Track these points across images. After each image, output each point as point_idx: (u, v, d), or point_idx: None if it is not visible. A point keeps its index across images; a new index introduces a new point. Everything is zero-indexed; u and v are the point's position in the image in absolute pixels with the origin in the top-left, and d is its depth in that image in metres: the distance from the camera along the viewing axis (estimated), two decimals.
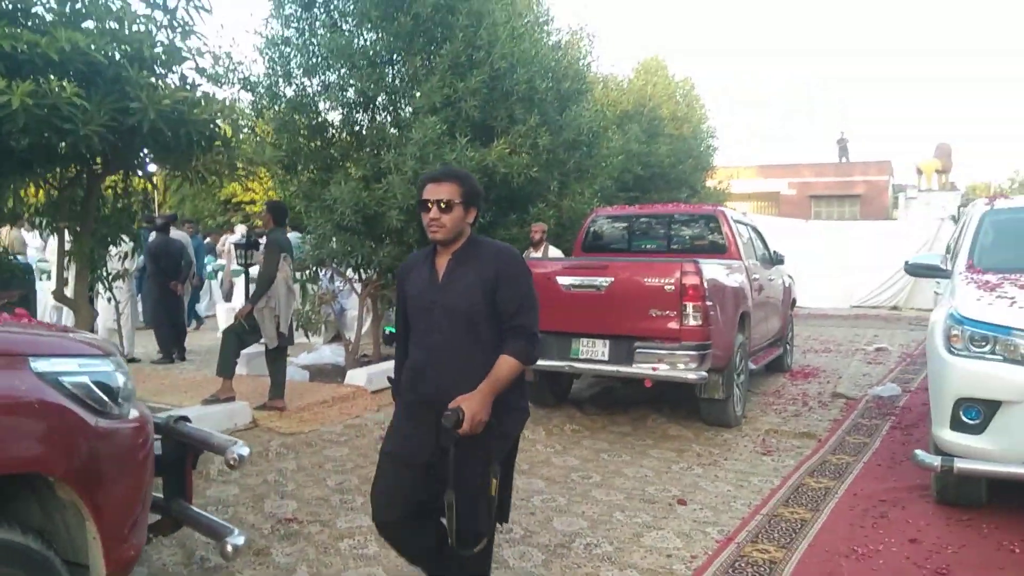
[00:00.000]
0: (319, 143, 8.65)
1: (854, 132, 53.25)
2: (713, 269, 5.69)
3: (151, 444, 2.60)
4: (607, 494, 4.61)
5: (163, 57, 5.37)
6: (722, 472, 5.07)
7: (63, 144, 4.61)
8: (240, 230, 13.88)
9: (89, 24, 5.05)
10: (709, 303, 5.43)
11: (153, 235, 8.94)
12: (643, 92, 14.97)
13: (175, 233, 9.12)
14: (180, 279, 8.74)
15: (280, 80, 8.23)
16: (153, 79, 5.30)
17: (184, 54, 5.45)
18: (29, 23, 4.78)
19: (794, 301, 9.24)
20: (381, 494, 2.69)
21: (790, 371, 8.83)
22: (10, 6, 4.61)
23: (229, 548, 2.73)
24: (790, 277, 9.00)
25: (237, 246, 8.96)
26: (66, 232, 5.88)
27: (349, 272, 8.88)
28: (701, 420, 6.22)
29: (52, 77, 4.32)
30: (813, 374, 8.77)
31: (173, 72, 5.58)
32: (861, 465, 5.18)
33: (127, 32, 5.07)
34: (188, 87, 5.33)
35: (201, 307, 12.64)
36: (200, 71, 5.73)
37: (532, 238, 8.30)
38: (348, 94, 8.23)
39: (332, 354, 8.77)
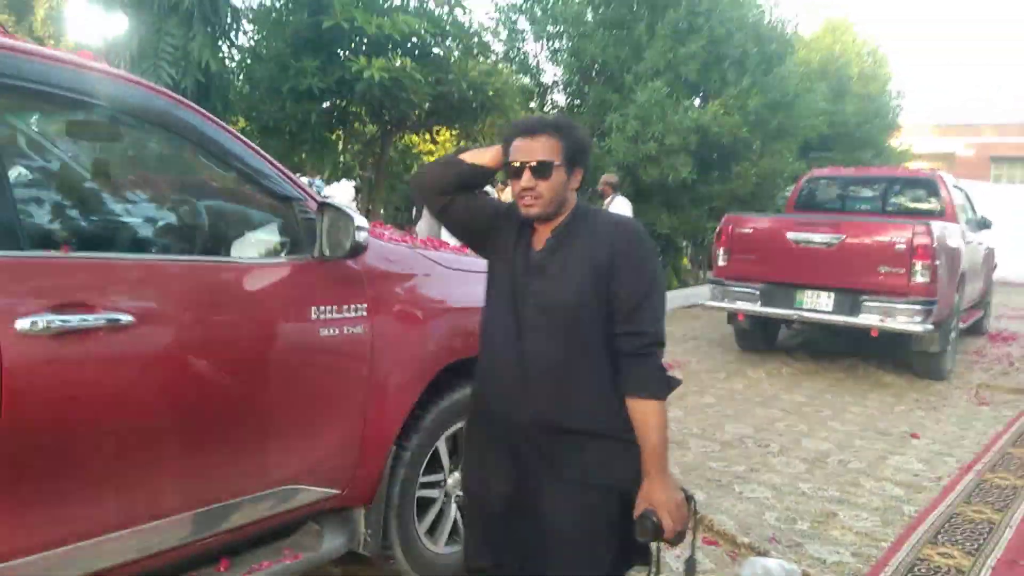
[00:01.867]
0: (538, 104, 9.50)
1: None
2: (940, 231, 6.10)
3: None
4: (842, 425, 5.25)
5: (449, 30, 6.30)
6: (943, 416, 5.59)
7: (398, 109, 5.59)
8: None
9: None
10: (937, 262, 5.87)
11: None
12: (831, 50, 14.88)
13: None
14: None
15: (513, 47, 9.09)
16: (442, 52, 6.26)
17: (470, 29, 6.38)
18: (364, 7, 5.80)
19: (995, 266, 9.33)
20: (470, 540, 2.16)
21: (988, 334, 9.00)
22: None
23: None
24: (992, 242, 9.10)
25: None
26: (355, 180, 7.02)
27: None
28: (910, 371, 6.68)
29: (397, 53, 5.31)
30: (1012, 338, 8.91)
31: (451, 43, 6.52)
32: None
33: (433, 12, 6.02)
34: (479, 59, 6.26)
35: None
36: (475, 44, 6.65)
37: (600, 191, 7.28)
38: (574, 59, 8.99)
39: None
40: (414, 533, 2.72)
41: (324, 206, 2.28)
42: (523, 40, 9.05)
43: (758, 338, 7.35)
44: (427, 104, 5.51)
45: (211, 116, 2.20)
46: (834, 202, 7.80)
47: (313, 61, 5.25)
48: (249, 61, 5.69)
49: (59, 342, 1.74)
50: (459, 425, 2.87)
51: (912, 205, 7.42)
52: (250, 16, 5.65)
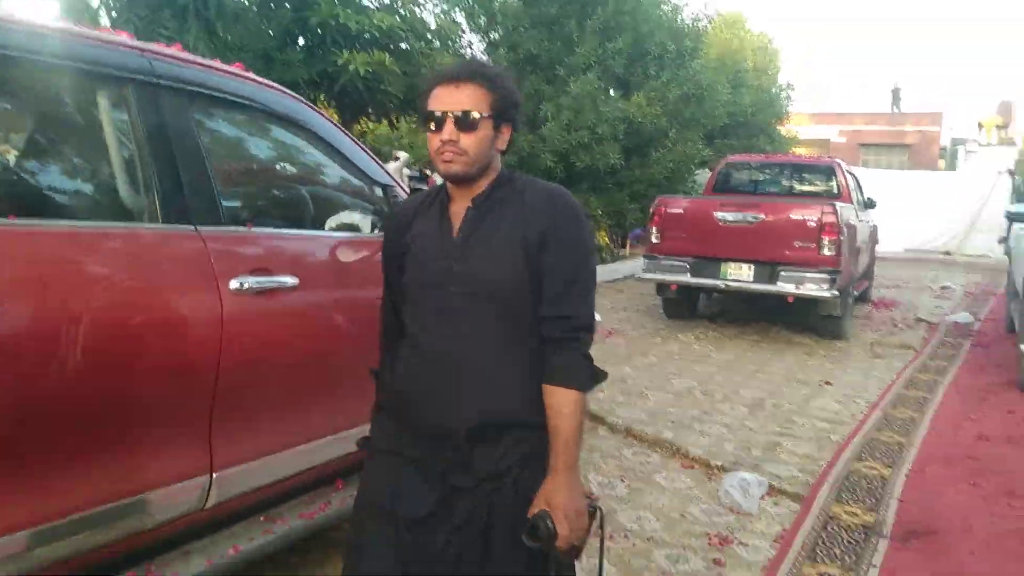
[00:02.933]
0: None
1: (907, 83, 53.16)
2: (842, 210, 7.08)
3: None
4: (768, 377, 6.13)
5: (414, 27, 6.77)
6: (848, 368, 6.57)
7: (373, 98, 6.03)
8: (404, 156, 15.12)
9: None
10: (841, 238, 6.84)
11: None
12: (728, 44, 16.04)
13: None
14: None
15: (451, 37, 9.57)
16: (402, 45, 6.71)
17: (435, 26, 6.86)
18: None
19: (878, 241, 10.58)
20: (361, 560, 1.70)
21: (873, 301, 10.25)
22: None
23: None
24: (875, 221, 10.32)
25: (412, 178, 10.38)
26: None
27: None
28: (815, 333, 7.69)
29: (374, 48, 5.75)
30: (893, 304, 10.18)
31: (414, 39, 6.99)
32: (956, 368, 6.65)
33: (399, 10, 6.47)
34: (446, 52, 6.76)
35: None
36: (436, 37, 7.14)
37: None
38: (510, 51, 9.56)
39: None
40: None
41: (416, 191, 2.81)
42: (460, 32, 9.56)
43: (683, 307, 8.21)
44: (401, 95, 5.97)
45: (328, 117, 2.69)
46: (747, 185, 8.74)
47: (299, 54, 5.63)
48: (227, 53, 5.98)
49: (254, 299, 2.23)
50: None
51: (813, 188, 8.45)
52: (229, 9, 5.93)
